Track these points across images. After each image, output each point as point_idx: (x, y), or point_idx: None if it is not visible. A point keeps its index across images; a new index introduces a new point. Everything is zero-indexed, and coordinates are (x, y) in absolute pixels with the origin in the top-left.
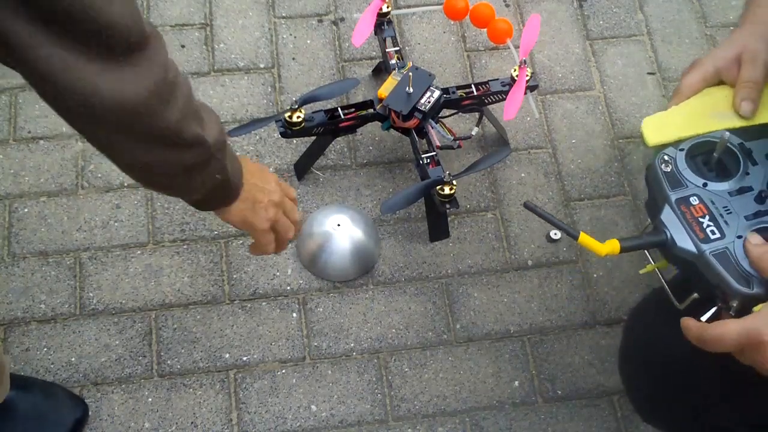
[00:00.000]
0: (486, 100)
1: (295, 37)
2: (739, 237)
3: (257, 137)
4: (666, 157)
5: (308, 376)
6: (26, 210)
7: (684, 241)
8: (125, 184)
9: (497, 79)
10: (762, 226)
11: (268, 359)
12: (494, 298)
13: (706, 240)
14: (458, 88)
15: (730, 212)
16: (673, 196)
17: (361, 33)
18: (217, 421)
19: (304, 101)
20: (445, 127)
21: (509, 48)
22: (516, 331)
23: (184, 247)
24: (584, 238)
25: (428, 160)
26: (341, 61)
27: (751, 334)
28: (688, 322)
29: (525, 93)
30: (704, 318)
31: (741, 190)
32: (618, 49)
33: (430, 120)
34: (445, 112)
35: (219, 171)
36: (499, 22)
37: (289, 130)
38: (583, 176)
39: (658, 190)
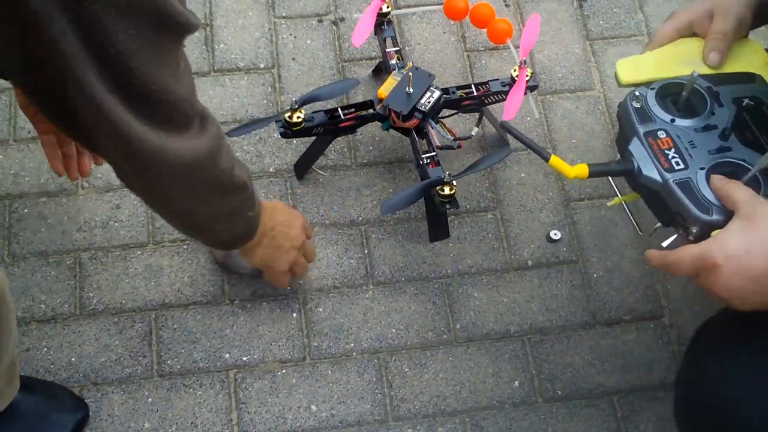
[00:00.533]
0: (486, 101)
1: (295, 37)
2: (702, 168)
3: (257, 137)
4: (637, 94)
5: (308, 376)
6: (26, 210)
7: (650, 170)
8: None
9: (497, 80)
10: (724, 160)
11: (268, 359)
12: (494, 298)
13: (671, 170)
14: (458, 88)
15: (695, 146)
16: (642, 130)
17: (361, 33)
18: (217, 421)
19: (304, 101)
20: (445, 127)
21: (509, 48)
22: (516, 331)
23: (184, 247)
24: (555, 161)
25: (428, 160)
26: (341, 61)
27: (705, 256)
28: (650, 252)
29: (525, 93)
30: (665, 244)
31: (707, 128)
32: (618, 49)
33: (430, 120)
34: (445, 112)
35: (251, 209)
36: (499, 22)
37: (289, 131)
38: None
39: (628, 124)
